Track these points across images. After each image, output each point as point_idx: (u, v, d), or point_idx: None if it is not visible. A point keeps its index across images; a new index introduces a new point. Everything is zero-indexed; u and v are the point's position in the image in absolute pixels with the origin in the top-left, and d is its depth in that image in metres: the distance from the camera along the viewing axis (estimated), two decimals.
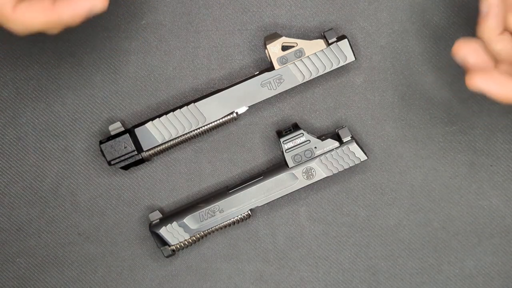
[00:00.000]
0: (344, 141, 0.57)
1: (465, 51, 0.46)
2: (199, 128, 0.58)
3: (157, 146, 0.58)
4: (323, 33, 0.57)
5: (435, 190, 0.60)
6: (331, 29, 0.56)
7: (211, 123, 0.58)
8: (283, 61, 0.56)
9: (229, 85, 0.58)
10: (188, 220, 0.58)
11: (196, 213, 0.58)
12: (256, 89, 0.57)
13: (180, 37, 0.59)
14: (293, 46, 0.56)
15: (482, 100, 0.59)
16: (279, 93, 0.58)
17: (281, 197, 0.58)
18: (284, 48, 0.57)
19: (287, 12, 0.59)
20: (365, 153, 0.57)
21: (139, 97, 0.60)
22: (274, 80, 0.57)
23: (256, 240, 0.61)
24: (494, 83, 0.45)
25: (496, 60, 0.47)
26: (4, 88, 0.60)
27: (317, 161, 0.57)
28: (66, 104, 0.60)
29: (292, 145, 0.57)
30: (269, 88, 0.57)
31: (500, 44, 0.48)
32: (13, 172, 0.60)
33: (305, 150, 0.57)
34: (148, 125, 0.58)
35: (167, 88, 0.60)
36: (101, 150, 0.57)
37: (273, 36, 0.56)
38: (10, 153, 0.60)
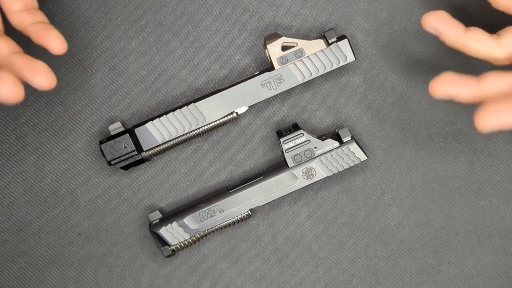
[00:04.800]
0: (344, 141, 0.57)
1: (433, 21, 0.50)
2: (199, 128, 0.58)
3: (157, 146, 0.58)
4: (323, 33, 0.57)
5: (435, 190, 0.60)
6: (331, 29, 0.56)
7: (211, 123, 0.58)
8: (283, 61, 0.56)
9: (229, 85, 0.58)
10: (188, 220, 0.58)
11: (196, 213, 0.58)
12: (256, 89, 0.57)
13: (180, 37, 0.59)
14: (293, 46, 0.56)
15: None
16: (279, 93, 0.58)
17: (281, 197, 0.58)
18: (284, 48, 0.57)
19: (287, 12, 0.59)
20: (365, 153, 0.57)
21: (139, 97, 0.60)
22: (274, 80, 0.57)
23: (256, 240, 0.61)
24: (503, 115, 0.48)
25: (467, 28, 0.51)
26: None
27: (317, 161, 0.57)
28: (66, 104, 0.60)
29: (292, 145, 0.57)
30: (269, 88, 0.57)
31: None
32: (13, 172, 0.60)
33: (305, 150, 0.57)
34: (148, 125, 0.58)
35: (167, 88, 0.60)
36: (101, 150, 0.57)
37: (273, 36, 0.56)
38: (10, 153, 0.60)
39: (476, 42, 0.50)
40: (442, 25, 0.50)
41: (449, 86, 0.49)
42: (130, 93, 0.60)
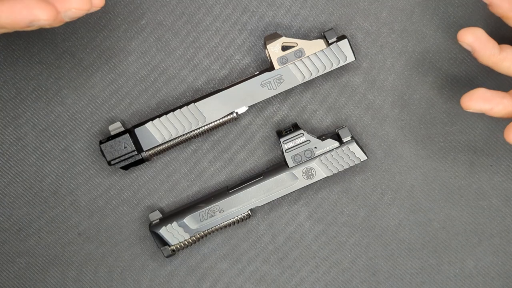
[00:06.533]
0: (344, 141, 0.57)
1: (470, 38, 0.50)
2: (199, 128, 0.58)
3: (157, 146, 0.58)
4: (323, 33, 0.57)
5: (435, 190, 0.60)
6: (331, 29, 0.56)
7: (211, 123, 0.58)
8: (283, 61, 0.56)
9: (229, 85, 0.58)
10: (188, 220, 0.58)
11: (196, 213, 0.58)
12: (256, 89, 0.57)
13: (180, 37, 0.59)
14: (293, 46, 0.56)
15: None
16: (279, 93, 0.58)
17: (281, 197, 0.58)
18: (284, 48, 0.57)
19: (287, 12, 0.59)
20: (365, 153, 0.57)
21: (139, 97, 0.60)
22: (274, 80, 0.57)
23: (256, 240, 0.61)
24: None
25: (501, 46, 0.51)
26: (4, 88, 0.60)
27: (317, 161, 0.57)
28: (66, 104, 0.60)
29: (292, 145, 0.57)
30: (269, 88, 0.57)
31: None
32: (13, 172, 0.60)
33: (305, 150, 0.57)
34: (148, 125, 0.58)
35: (167, 88, 0.60)
36: (101, 150, 0.57)
37: (273, 36, 0.56)
38: (10, 153, 0.60)
39: (510, 62, 0.50)
40: (478, 43, 0.50)
41: (483, 102, 0.50)
42: (130, 93, 0.60)
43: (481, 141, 0.60)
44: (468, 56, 0.59)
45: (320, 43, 0.56)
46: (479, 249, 0.60)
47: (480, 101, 0.50)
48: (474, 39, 0.50)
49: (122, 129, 0.58)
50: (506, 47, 0.51)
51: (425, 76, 0.59)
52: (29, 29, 0.45)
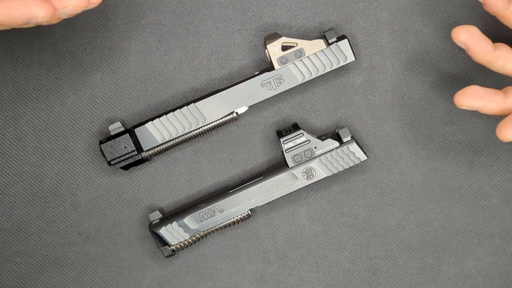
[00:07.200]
0: (344, 141, 0.57)
1: (464, 36, 0.50)
2: (199, 128, 0.58)
3: (157, 146, 0.58)
4: (323, 33, 0.57)
5: (435, 190, 0.60)
6: (331, 29, 0.57)
7: (211, 123, 0.58)
8: (283, 61, 0.56)
9: (229, 85, 0.58)
10: (188, 220, 0.58)
11: (196, 213, 0.58)
12: (256, 89, 0.57)
13: (180, 37, 0.59)
14: (293, 46, 0.56)
15: None
16: (279, 93, 0.58)
17: (281, 197, 0.58)
18: (284, 48, 0.57)
19: (287, 12, 0.59)
20: (365, 153, 0.57)
21: (139, 97, 0.60)
22: (274, 80, 0.57)
23: (256, 240, 0.61)
24: None
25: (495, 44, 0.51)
26: (4, 88, 0.60)
27: (317, 161, 0.57)
28: (66, 104, 0.60)
29: (292, 145, 0.57)
30: (269, 88, 0.57)
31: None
32: (13, 172, 0.60)
33: (305, 150, 0.57)
34: (148, 125, 0.58)
35: (167, 88, 0.60)
36: (101, 150, 0.57)
37: (273, 36, 0.56)
38: (10, 153, 0.60)
39: (504, 60, 0.50)
40: (472, 41, 0.50)
41: (476, 100, 0.50)
42: (130, 93, 0.60)
43: (481, 141, 0.60)
44: (468, 56, 0.59)
45: (320, 43, 0.56)
46: (479, 249, 0.60)
47: (473, 98, 0.50)
48: (468, 37, 0.50)
49: (122, 129, 0.58)
50: (500, 45, 0.51)
51: (425, 76, 0.59)
52: (26, 26, 0.45)
